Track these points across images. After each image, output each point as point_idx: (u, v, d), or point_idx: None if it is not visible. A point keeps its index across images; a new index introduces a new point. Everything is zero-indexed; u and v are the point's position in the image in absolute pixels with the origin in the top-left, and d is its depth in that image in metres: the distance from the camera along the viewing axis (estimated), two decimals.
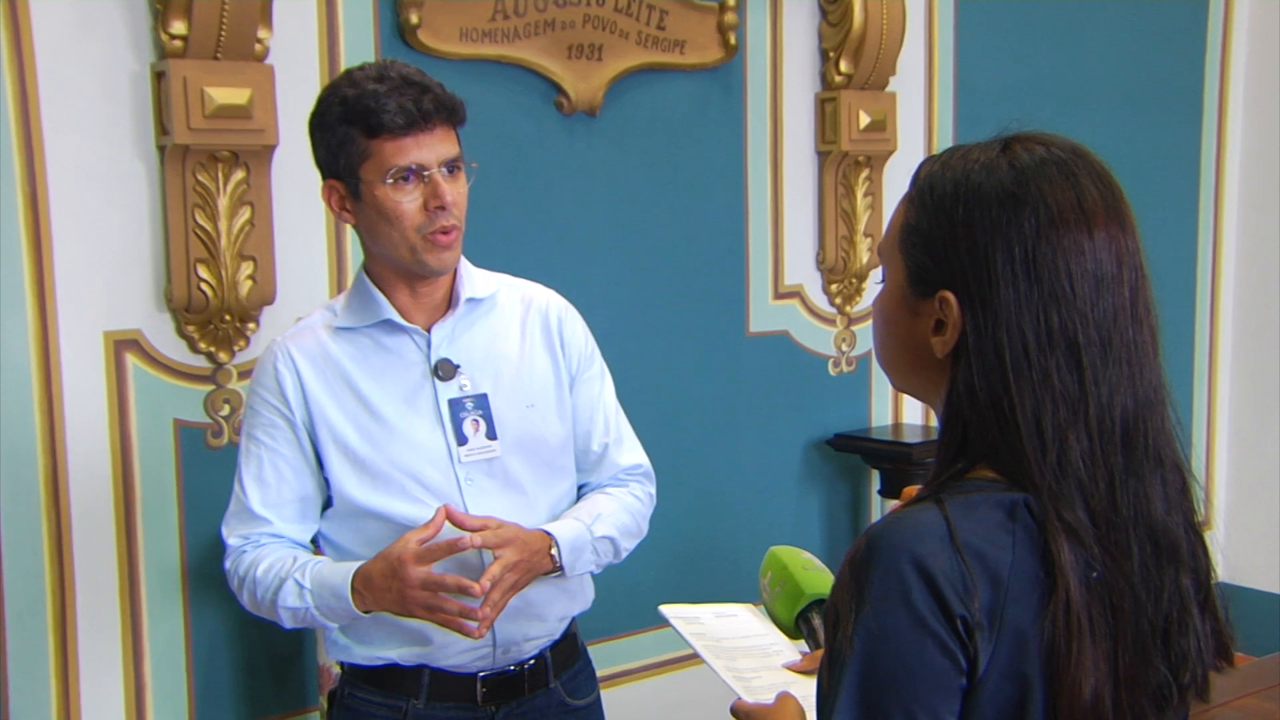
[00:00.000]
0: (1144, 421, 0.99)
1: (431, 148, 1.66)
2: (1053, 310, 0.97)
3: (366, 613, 1.66)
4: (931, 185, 1.04)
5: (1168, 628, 1.00)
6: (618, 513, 1.83)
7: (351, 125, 1.65)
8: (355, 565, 1.67)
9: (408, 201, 1.66)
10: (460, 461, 1.73)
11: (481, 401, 1.75)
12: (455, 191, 1.68)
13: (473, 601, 1.62)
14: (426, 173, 1.66)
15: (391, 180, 1.65)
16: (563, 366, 1.83)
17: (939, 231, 1.02)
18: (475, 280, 1.79)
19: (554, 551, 1.71)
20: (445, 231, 1.67)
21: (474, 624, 1.62)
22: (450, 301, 1.77)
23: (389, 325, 1.74)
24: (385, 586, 1.62)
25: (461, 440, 1.73)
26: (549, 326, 1.83)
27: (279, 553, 1.72)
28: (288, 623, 1.71)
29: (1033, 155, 1.01)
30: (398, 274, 1.73)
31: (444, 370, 1.74)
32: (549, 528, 1.74)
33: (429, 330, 1.75)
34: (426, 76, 1.68)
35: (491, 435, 1.74)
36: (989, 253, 0.98)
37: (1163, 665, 0.99)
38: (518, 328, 1.81)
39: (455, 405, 1.74)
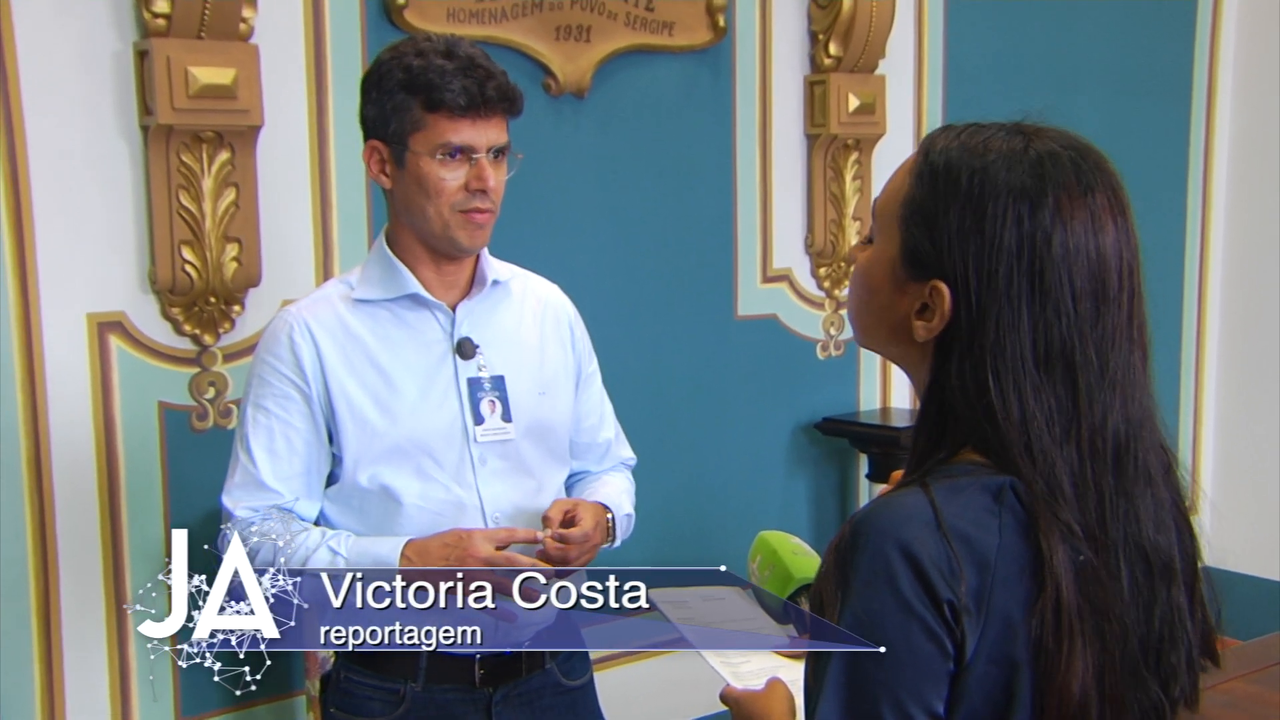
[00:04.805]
0: (1135, 441, 0.98)
1: (485, 133, 1.68)
2: (1054, 325, 0.95)
3: None
4: (948, 166, 0.99)
5: (1160, 645, 0.99)
6: (630, 492, 1.91)
7: (412, 95, 1.66)
8: (404, 537, 1.68)
9: (450, 179, 1.67)
10: (476, 441, 1.74)
11: (499, 383, 1.76)
12: (496, 178, 1.70)
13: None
14: (475, 156, 1.67)
15: (440, 156, 1.66)
16: (571, 362, 1.87)
17: (945, 218, 0.98)
18: (495, 265, 1.81)
19: (609, 523, 1.78)
20: (480, 211, 1.69)
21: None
22: (473, 281, 1.78)
23: (412, 300, 1.74)
24: (442, 556, 1.63)
25: (478, 420, 1.74)
26: (562, 323, 1.87)
27: (299, 525, 1.72)
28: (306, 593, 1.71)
29: (1052, 156, 0.98)
30: (425, 248, 1.74)
31: (465, 349, 1.75)
32: (600, 500, 1.79)
33: (453, 309, 1.76)
34: (492, 62, 1.70)
35: (507, 418, 1.76)
36: (996, 256, 0.95)
37: (1154, 684, 0.98)
38: (535, 318, 1.84)
39: (474, 385, 1.75)
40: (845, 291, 3.58)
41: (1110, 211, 0.98)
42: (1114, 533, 0.96)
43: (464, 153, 1.67)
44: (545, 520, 1.70)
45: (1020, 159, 0.97)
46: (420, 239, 1.73)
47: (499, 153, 1.70)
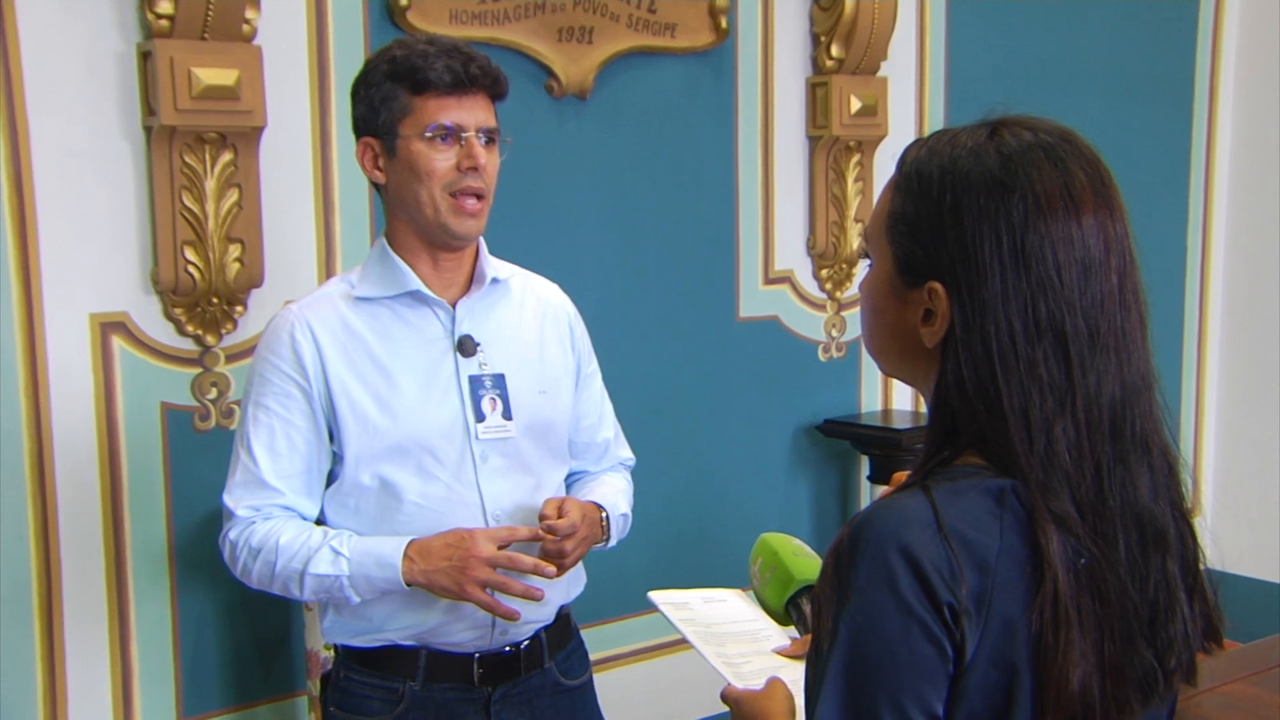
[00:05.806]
0: (1131, 409, 0.99)
1: (472, 111, 1.70)
2: (1040, 300, 0.96)
3: (409, 585, 1.68)
4: (918, 171, 1.02)
5: (1154, 615, 0.99)
6: (627, 493, 1.93)
7: (397, 82, 1.69)
8: (406, 537, 1.70)
9: (440, 160, 1.69)
10: (477, 438, 1.74)
11: (499, 381, 1.77)
12: (488, 160, 1.71)
13: (540, 582, 1.69)
14: (464, 135, 1.69)
15: (429, 136, 1.68)
16: (571, 361, 1.88)
17: (927, 219, 1.00)
18: (495, 263, 1.82)
19: (604, 521, 1.80)
20: (471, 194, 1.70)
21: (537, 596, 1.69)
22: (473, 279, 1.79)
23: (412, 297, 1.75)
24: (445, 556, 1.65)
25: (480, 417, 1.75)
26: (561, 322, 1.88)
27: (301, 524, 1.73)
28: (307, 593, 1.71)
29: (1020, 141, 1.00)
30: (422, 243, 1.75)
31: (466, 346, 1.76)
32: (596, 500, 1.81)
33: (453, 306, 1.76)
34: (474, 49, 1.73)
35: (507, 415, 1.77)
36: (977, 242, 0.97)
37: (1148, 652, 0.99)
38: (535, 317, 1.84)
39: (475, 382, 1.76)
40: (847, 293, 3.59)
41: (1088, 185, 0.99)
42: (1112, 501, 0.97)
43: (453, 135, 1.68)
44: (541, 518, 1.71)
45: (986, 148, 1.00)
46: (416, 230, 1.73)
47: (489, 138, 1.72)
